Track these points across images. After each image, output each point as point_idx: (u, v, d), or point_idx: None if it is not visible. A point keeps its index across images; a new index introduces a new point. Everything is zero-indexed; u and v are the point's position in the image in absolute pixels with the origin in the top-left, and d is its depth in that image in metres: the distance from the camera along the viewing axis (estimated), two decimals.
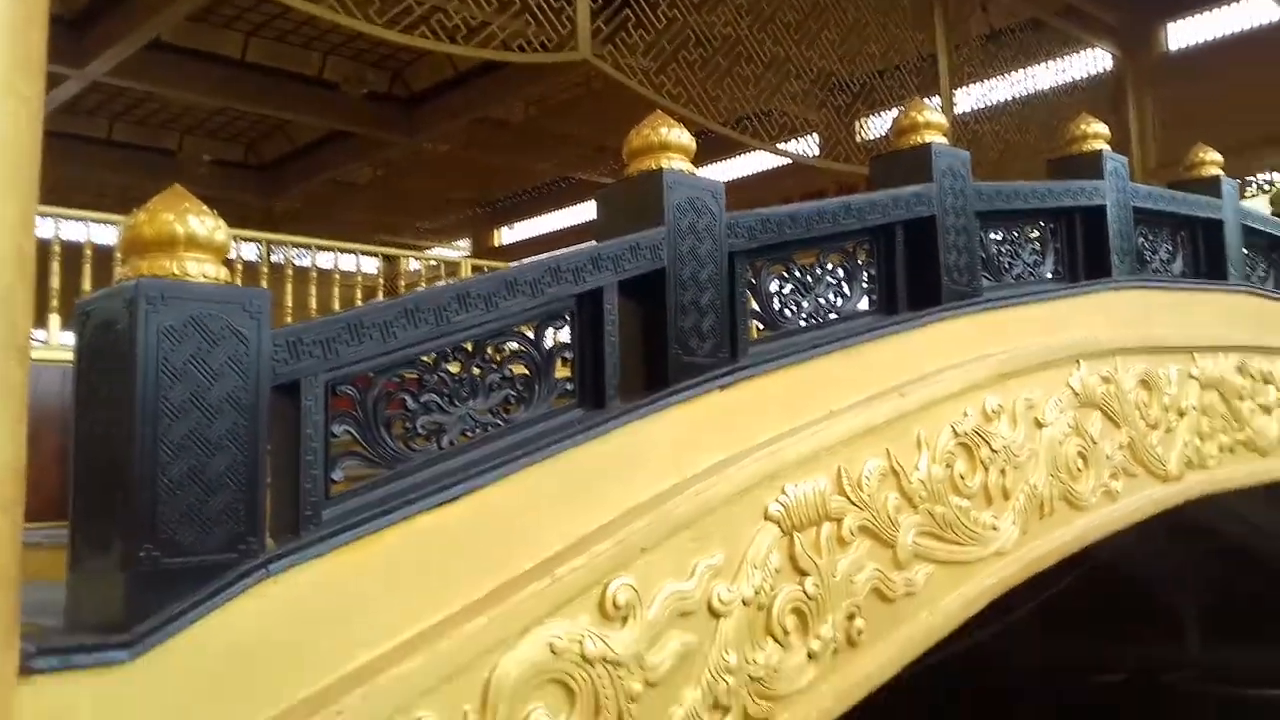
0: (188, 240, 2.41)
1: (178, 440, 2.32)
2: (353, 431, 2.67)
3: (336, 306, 8.01)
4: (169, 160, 17.57)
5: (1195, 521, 9.89)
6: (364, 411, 2.70)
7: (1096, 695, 12.28)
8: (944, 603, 3.84)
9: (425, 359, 2.85)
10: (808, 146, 13.72)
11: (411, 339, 2.75)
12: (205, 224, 2.45)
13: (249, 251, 8.90)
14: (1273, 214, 7.22)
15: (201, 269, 2.42)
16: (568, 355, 3.21)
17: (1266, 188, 13.25)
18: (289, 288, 8.00)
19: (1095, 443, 4.76)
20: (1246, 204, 7.01)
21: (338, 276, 8.51)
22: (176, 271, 2.39)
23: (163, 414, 2.31)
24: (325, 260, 8.63)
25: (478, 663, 2.51)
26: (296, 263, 8.65)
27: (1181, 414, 5.45)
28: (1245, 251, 6.48)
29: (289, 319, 7.56)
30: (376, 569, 2.54)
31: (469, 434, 2.88)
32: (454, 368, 2.90)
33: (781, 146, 12.70)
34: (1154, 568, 12.25)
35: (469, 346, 2.94)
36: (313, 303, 8.13)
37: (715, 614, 3.06)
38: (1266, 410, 6.21)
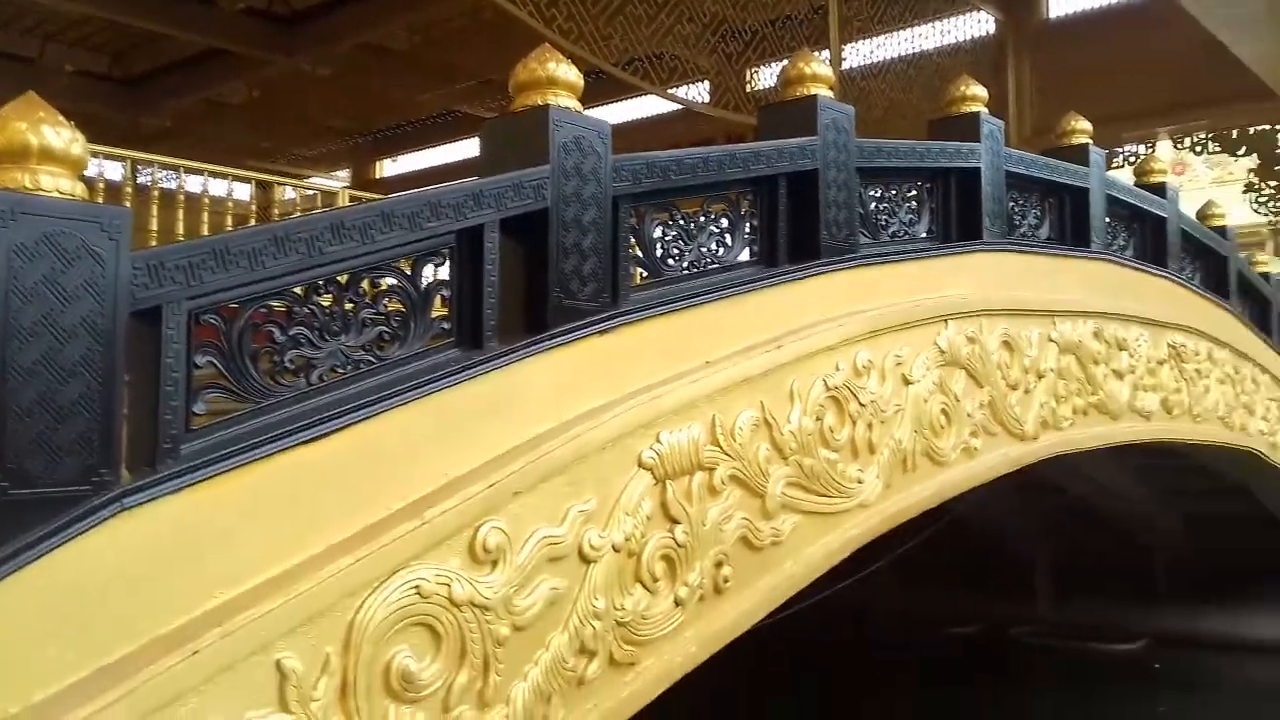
0: (41, 152, 2.27)
1: (28, 365, 2.21)
2: (217, 363, 2.57)
3: (205, 234, 7.67)
4: (27, 68, 16.50)
5: (1047, 480, 10.40)
6: (229, 342, 2.60)
7: (949, 646, 12.87)
8: (808, 552, 3.93)
9: (295, 290, 2.75)
10: (698, 93, 13.70)
11: (281, 269, 2.64)
12: (61, 135, 2.32)
13: (112, 171, 8.44)
14: (1136, 185, 7.53)
15: (56, 184, 2.29)
16: (445, 293, 3.15)
17: (1133, 160, 13.82)
18: (154, 211, 7.62)
19: (958, 401, 4.92)
20: (1113, 175, 7.29)
21: (207, 202, 8.13)
22: (29, 185, 2.26)
23: (12, 337, 2.20)
24: (194, 184, 8.24)
25: (342, 604, 2.46)
26: (163, 185, 8.23)
27: (1040, 376, 5.67)
28: (1108, 220, 6.75)
29: (154, 246, 7.21)
30: (239, 505, 2.46)
31: (340, 370, 2.81)
32: (326, 301, 2.81)
33: (671, 91, 12.66)
34: (1007, 524, 12.85)
35: (342, 279, 2.85)
36: (179, 228, 7.76)
37: (586, 559, 3.07)
38: (1119, 375, 6.52)
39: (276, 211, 8.82)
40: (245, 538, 2.44)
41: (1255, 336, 8.89)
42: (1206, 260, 8.38)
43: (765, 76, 13.80)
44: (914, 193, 5.26)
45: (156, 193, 7.77)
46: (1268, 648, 11.70)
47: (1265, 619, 11.80)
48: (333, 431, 2.65)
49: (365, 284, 2.96)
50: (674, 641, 3.32)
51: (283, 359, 2.70)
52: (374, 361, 2.89)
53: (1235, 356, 8.26)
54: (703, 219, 4.08)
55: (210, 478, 2.42)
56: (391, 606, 2.53)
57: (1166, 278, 7.37)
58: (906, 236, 5.15)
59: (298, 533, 2.51)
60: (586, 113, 3.55)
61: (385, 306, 2.97)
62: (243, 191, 8.98)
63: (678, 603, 3.34)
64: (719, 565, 3.52)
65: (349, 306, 2.86)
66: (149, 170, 8.05)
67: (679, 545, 3.37)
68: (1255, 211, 14.29)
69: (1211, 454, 8.39)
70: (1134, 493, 11.44)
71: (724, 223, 4.18)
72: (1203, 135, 14.66)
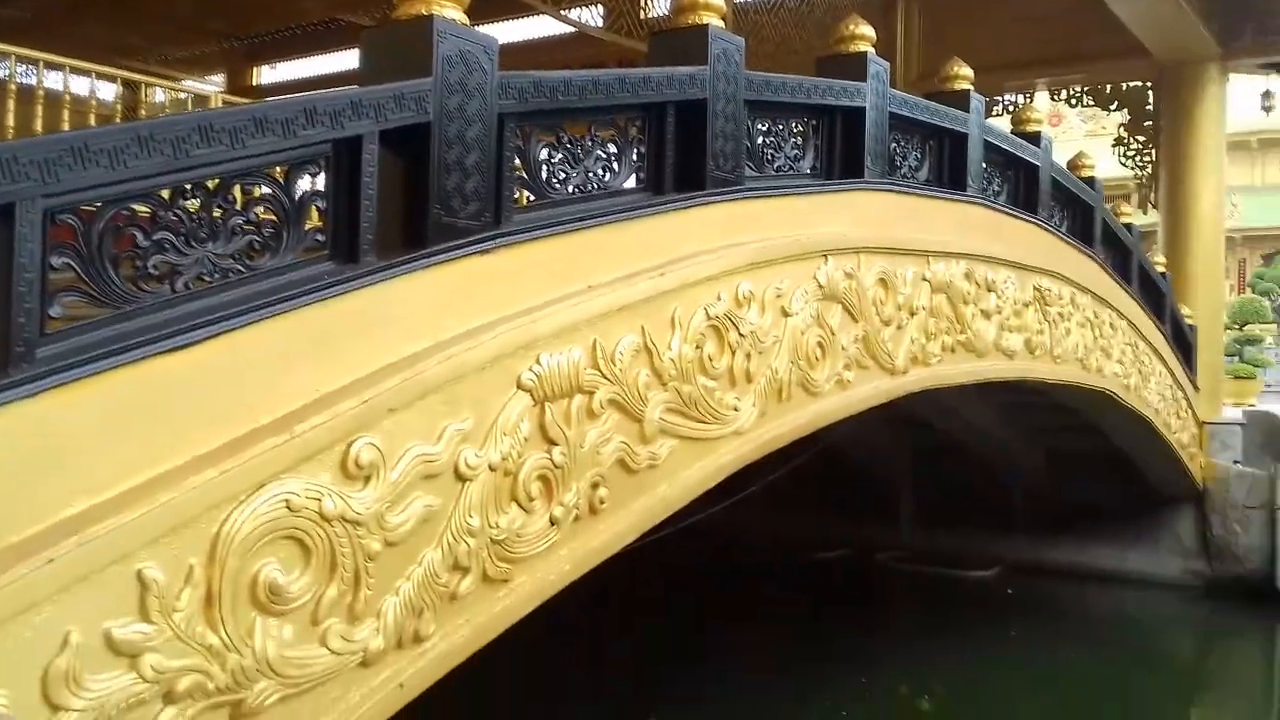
0: None
1: None
2: (75, 265, 2.45)
3: None
4: None
5: (916, 416, 10.78)
6: (88, 245, 2.48)
7: (816, 570, 13.38)
8: (683, 476, 4.01)
9: (160, 193, 2.63)
10: (592, 17, 13.48)
11: (145, 170, 2.52)
12: None
13: None
14: (1012, 134, 7.74)
15: None
16: (321, 205, 3.06)
17: (1011, 109, 14.19)
18: (10, 107, 7.18)
19: (834, 334, 5.04)
20: (991, 122, 7.48)
21: (69, 100, 7.70)
22: None
23: None
24: (55, 81, 7.78)
25: (207, 516, 2.41)
26: (21, 80, 7.75)
27: (913, 313, 5.85)
28: (984, 166, 6.94)
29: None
30: (98, 413, 2.37)
31: (207, 279, 2.71)
32: (193, 206, 2.70)
33: (564, 13, 12.43)
34: (877, 455, 13.31)
35: (210, 185, 2.74)
36: (38, 126, 7.32)
37: (461, 478, 3.07)
38: (986, 315, 6.76)
39: (144, 114, 8.39)
40: (105, 446, 2.36)
41: (1116, 284, 9.32)
42: (1075, 209, 8.71)
43: (660, 3, 13.65)
44: (800, 129, 5.31)
45: (13, 88, 7.32)
46: (1110, 577, 12.48)
47: (1109, 550, 12.57)
48: (199, 341, 2.56)
49: (237, 191, 2.85)
50: (548, 560, 3.36)
51: (146, 264, 2.58)
52: (243, 271, 2.79)
53: (1096, 302, 8.66)
54: (590, 143, 4.04)
55: (67, 383, 2.32)
56: (259, 519, 2.49)
57: (1036, 224, 7.64)
58: (791, 172, 5.21)
59: (161, 443, 2.44)
60: (475, 29, 3.46)
61: (257, 215, 2.87)
62: (108, 92, 8.53)
63: (553, 522, 3.37)
64: (595, 487, 3.56)
65: (217, 213, 2.75)
66: (5, 64, 7.57)
67: (556, 466, 3.39)
68: (1123, 165, 14.84)
69: (1069, 393, 8.81)
70: (997, 429, 11.96)
71: (611, 148, 4.15)
72: (1079, 89, 15.09)
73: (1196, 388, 12.21)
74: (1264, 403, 14.74)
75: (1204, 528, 12.27)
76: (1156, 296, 10.89)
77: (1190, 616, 12.22)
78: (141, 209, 2.60)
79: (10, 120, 7.08)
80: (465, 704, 5.37)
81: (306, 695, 2.58)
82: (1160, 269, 11.41)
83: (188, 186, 2.70)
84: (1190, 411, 11.81)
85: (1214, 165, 13.58)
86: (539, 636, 3.84)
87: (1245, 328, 20.08)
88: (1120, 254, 9.81)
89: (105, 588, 2.21)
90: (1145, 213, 14.43)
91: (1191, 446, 11.79)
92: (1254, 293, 27.96)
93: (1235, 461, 12.30)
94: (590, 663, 9.91)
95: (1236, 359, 16.59)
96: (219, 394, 2.59)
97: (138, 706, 2.23)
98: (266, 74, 22.05)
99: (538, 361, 3.37)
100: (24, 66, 7.77)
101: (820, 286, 4.94)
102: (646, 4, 13.43)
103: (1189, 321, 12.29)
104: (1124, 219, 10.23)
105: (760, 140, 5.00)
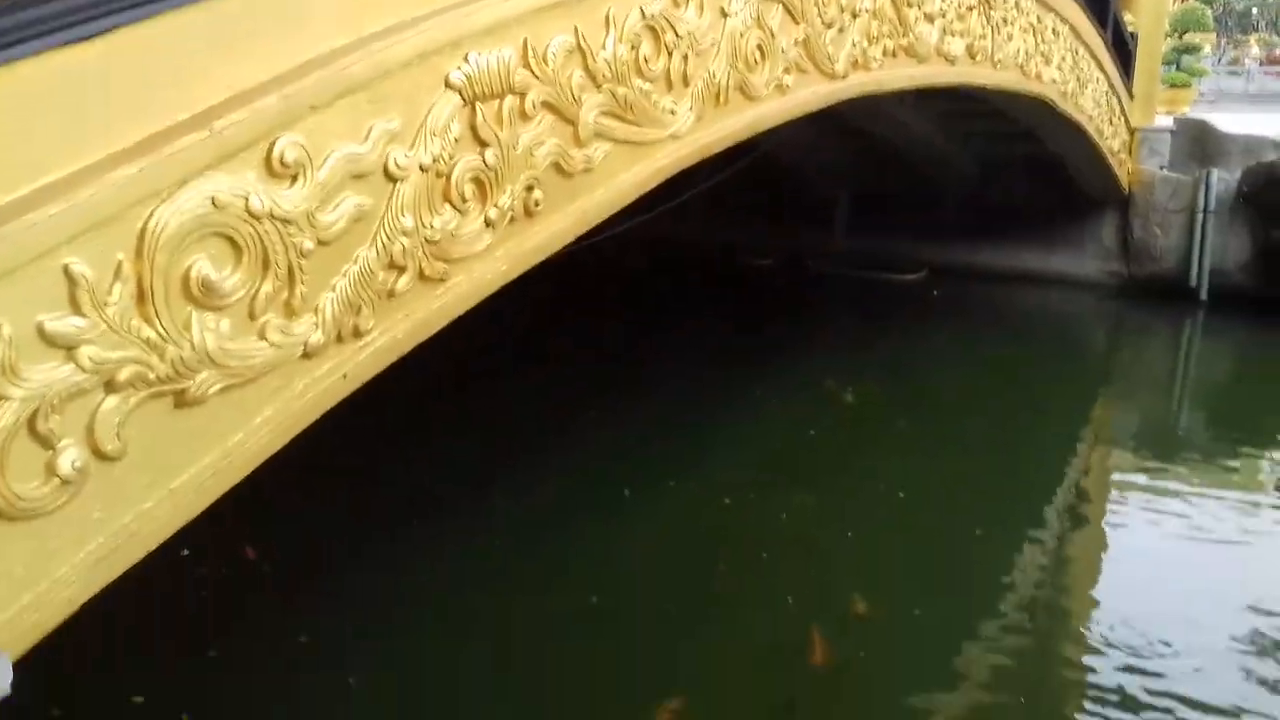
0: None
1: None
2: None
3: None
4: None
5: (854, 124, 10.71)
6: None
7: (751, 275, 13.70)
8: (619, 180, 3.99)
9: None
10: None
11: None
12: None
13: None
14: None
15: None
16: None
17: None
18: None
19: (774, 37, 4.91)
20: None
21: None
22: None
23: None
24: None
25: (129, 213, 2.35)
26: None
27: (855, 15, 5.68)
28: None
29: None
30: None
31: None
32: None
33: None
34: (814, 163, 13.33)
35: None
36: None
37: (391, 178, 3.01)
38: (930, 19, 6.60)
39: None
40: (12, 143, 2.23)
41: None
42: None
43: None
44: None
45: None
46: (1032, 278, 12.98)
47: (1033, 253, 12.99)
48: (99, 33, 2.39)
49: None
50: (485, 260, 3.37)
51: None
52: None
53: (1040, 6, 8.46)
54: None
55: None
56: (184, 216, 2.43)
57: None
58: None
59: (70, 140, 2.33)
60: None
61: None
62: None
63: (488, 223, 3.36)
64: (530, 189, 3.53)
65: None
66: None
67: (489, 168, 3.34)
68: None
69: (1007, 100, 8.78)
70: (934, 137, 11.97)
71: None
72: None
73: (1132, 95, 12.21)
74: (1197, 111, 14.86)
75: (1126, 231, 12.66)
76: (1101, 1, 10.66)
77: (1106, 313, 12.87)
78: None
79: None
80: (406, 396, 5.94)
81: (250, 386, 2.63)
82: None
83: None
84: (1123, 118, 11.88)
85: None
86: (475, 329, 3.95)
87: (1185, 36, 19.87)
88: None
89: (32, 282, 2.17)
90: None
91: (1122, 153, 11.94)
92: (1197, 1, 27.44)
93: (1162, 167, 12.53)
94: (530, 359, 10.25)
95: (1174, 67, 16.53)
96: (130, 89, 2.46)
97: (79, 395, 2.26)
98: None
99: (466, 60, 3.24)
100: None
101: None
102: None
103: (1131, 29, 12.12)
104: None
105: None
